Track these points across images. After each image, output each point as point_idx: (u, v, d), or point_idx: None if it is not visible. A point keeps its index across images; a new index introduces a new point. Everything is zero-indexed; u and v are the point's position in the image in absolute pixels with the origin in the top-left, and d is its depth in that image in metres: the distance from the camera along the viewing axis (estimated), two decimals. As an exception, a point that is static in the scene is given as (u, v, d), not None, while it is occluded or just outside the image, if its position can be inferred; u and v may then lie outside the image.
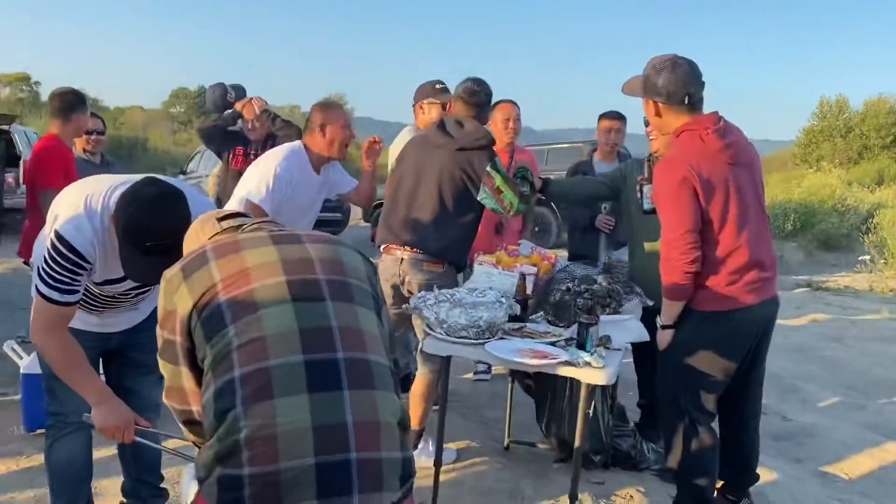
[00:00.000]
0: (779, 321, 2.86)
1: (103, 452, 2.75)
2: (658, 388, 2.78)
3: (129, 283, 2.12)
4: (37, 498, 2.80)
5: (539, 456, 3.44)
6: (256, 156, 3.72)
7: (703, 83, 2.55)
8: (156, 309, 1.49)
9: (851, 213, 13.22)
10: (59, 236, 1.94)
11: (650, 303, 3.02)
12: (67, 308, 1.97)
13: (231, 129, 4.59)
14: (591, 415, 2.96)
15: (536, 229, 11.28)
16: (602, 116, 4.38)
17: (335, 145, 3.13)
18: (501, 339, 2.58)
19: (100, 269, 2.03)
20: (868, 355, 5.73)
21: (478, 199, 3.07)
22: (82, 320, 2.20)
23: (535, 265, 3.11)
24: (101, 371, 2.43)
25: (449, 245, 3.14)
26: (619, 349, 2.57)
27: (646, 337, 2.76)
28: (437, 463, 2.77)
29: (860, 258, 10.66)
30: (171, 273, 1.47)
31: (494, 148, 3.78)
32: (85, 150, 4.35)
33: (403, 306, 2.90)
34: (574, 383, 2.99)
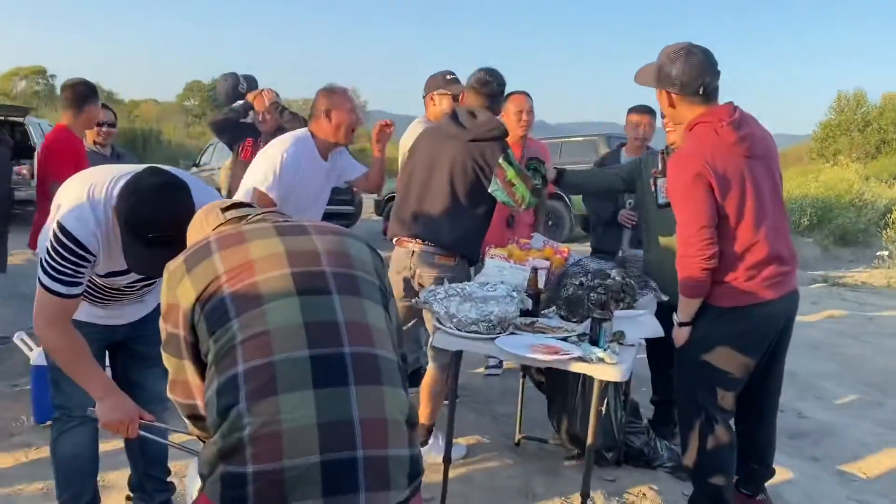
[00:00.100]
0: (795, 317, 2.80)
1: (111, 445, 2.74)
2: (675, 385, 2.73)
3: (134, 276, 2.09)
4: (45, 490, 2.79)
5: (550, 452, 3.40)
6: None
7: (719, 72, 2.49)
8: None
9: (869, 208, 13.09)
10: (61, 227, 1.90)
11: (665, 298, 2.97)
12: (71, 300, 1.94)
13: (243, 120, 4.57)
14: (603, 412, 2.91)
15: (549, 223, 11.25)
16: (631, 110, 4.27)
17: (342, 130, 3.08)
18: (512, 334, 2.53)
19: (103, 261, 1.99)
20: (885, 352, 5.65)
21: (489, 191, 3.03)
22: (87, 312, 2.18)
23: (547, 259, 3.06)
24: (107, 364, 2.41)
25: (461, 238, 3.10)
26: (632, 345, 2.52)
27: (660, 333, 2.71)
28: (447, 459, 2.73)
29: (877, 254, 10.55)
30: (174, 265, 1.44)
31: (507, 140, 3.73)
32: (96, 143, 4.34)
33: (413, 300, 2.86)
34: (586, 379, 2.95)
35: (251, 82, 4.82)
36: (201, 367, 1.40)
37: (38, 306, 1.94)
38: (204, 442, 1.41)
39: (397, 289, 3.16)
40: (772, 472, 2.88)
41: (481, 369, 4.58)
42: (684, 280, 2.48)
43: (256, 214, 1.57)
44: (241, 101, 4.62)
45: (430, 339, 2.86)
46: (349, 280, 1.43)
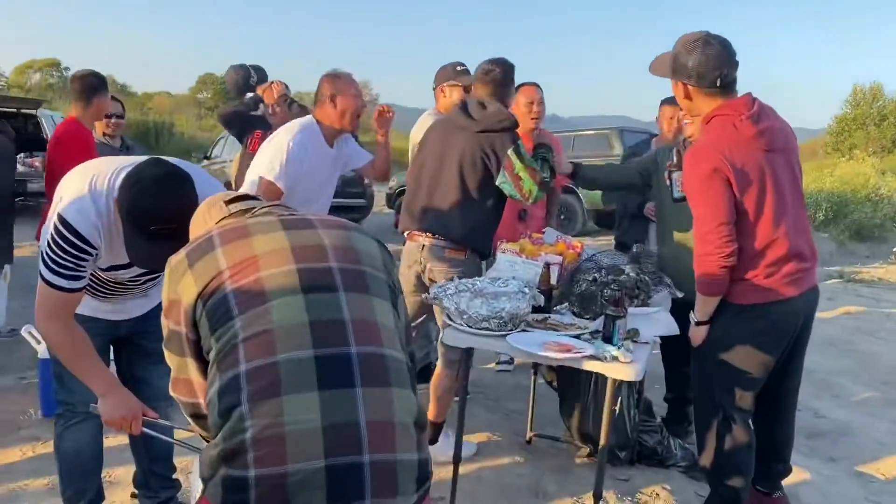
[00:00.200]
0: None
1: (117, 441, 2.72)
2: (692, 384, 2.67)
3: (137, 270, 2.05)
4: (50, 486, 2.76)
5: (562, 450, 3.35)
6: None
7: (737, 63, 2.41)
8: None
9: (885, 202, 12.94)
10: (62, 219, 1.86)
11: (680, 294, 2.91)
12: (72, 295, 1.90)
13: (253, 113, 4.53)
14: (616, 411, 2.86)
15: (561, 217, 11.17)
16: (664, 102, 4.15)
17: (347, 116, 3.02)
18: (524, 331, 2.47)
19: (105, 255, 1.95)
20: (903, 349, 5.56)
21: (497, 183, 2.96)
22: (90, 307, 2.14)
23: (560, 254, 3.00)
24: (112, 357, 2.38)
25: (471, 231, 3.04)
26: (647, 343, 2.46)
27: (675, 330, 2.65)
28: (457, 458, 2.68)
29: (894, 249, 10.42)
30: (176, 260, 1.40)
31: (519, 134, 3.67)
32: (105, 134, 4.32)
33: (423, 296, 2.81)
34: (599, 376, 2.90)
35: (261, 74, 4.78)
36: (204, 364, 1.36)
37: (39, 300, 1.90)
38: (208, 441, 1.37)
39: (408, 283, 3.12)
40: (789, 470, 2.82)
41: (492, 365, 4.53)
42: (702, 278, 2.41)
43: (262, 207, 1.52)
44: (251, 94, 4.58)
45: (440, 335, 2.82)
46: (357, 276, 1.38)
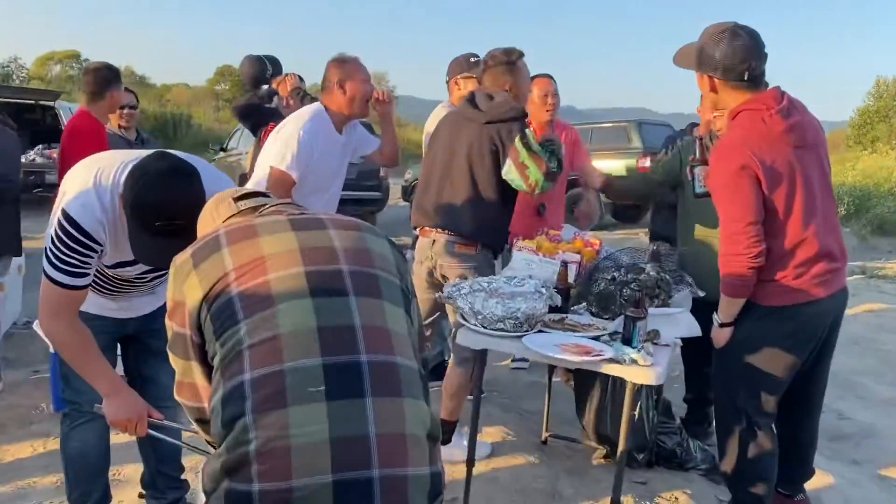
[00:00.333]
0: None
1: (127, 437, 2.67)
2: (714, 387, 2.60)
3: (143, 267, 2.00)
4: (58, 484, 2.73)
5: (578, 451, 3.29)
6: None
7: (766, 55, 2.32)
8: None
9: (909, 196, 12.71)
10: (65, 215, 1.81)
11: (702, 293, 2.83)
12: (76, 292, 1.85)
13: (267, 106, 4.49)
14: (636, 416, 2.79)
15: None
16: None
17: (356, 102, 2.96)
18: (540, 331, 2.40)
19: (110, 251, 1.90)
20: (928, 348, 5.44)
21: (503, 176, 2.88)
22: (96, 304, 2.10)
23: (577, 252, 2.93)
24: (118, 353, 2.34)
25: (481, 226, 2.97)
26: (667, 345, 2.38)
27: (697, 332, 2.56)
28: (470, 460, 2.62)
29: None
30: (181, 259, 1.35)
31: (534, 126, 3.59)
32: (120, 126, 4.30)
33: (437, 295, 2.76)
34: (617, 377, 2.82)
35: (276, 66, 4.73)
36: (209, 368, 1.31)
37: (43, 297, 1.86)
38: (213, 446, 1.33)
39: (420, 280, 3.07)
40: (812, 472, 2.75)
41: (507, 362, 4.47)
42: (728, 278, 2.33)
43: (271, 206, 1.47)
44: (266, 87, 4.53)
45: (452, 332, 2.76)
46: (368, 279, 1.32)
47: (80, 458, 2.24)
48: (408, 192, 11.86)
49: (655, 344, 2.32)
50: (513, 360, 4.46)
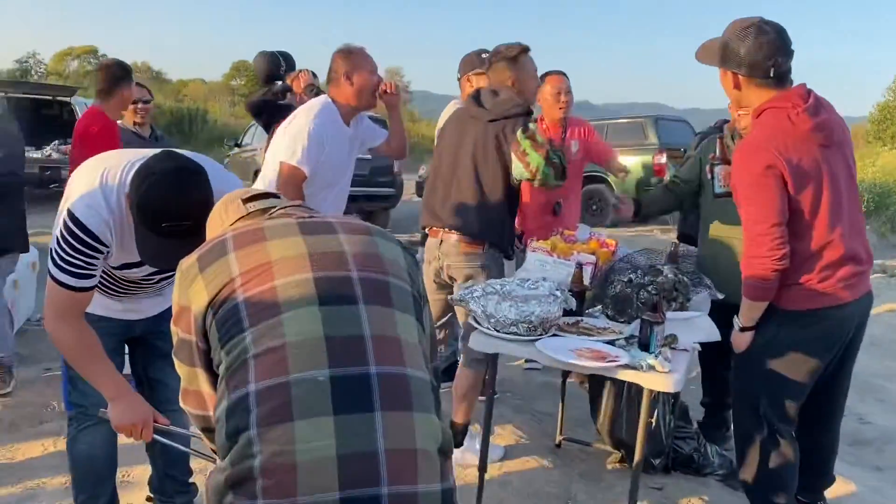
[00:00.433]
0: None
1: (136, 439, 2.66)
2: (732, 392, 2.53)
3: (149, 268, 1.97)
4: (67, 485, 2.68)
5: (592, 455, 3.23)
6: None
7: (792, 52, 2.24)
8: None
9: (930, 193, 12.49)
10: (71, 215, 1.78)
11: (720, 296, 2.76)
12: (82, 294, 1.82)
13: (281, 102, 4.47)
14: (653, 423, 2.73)
15: (593, 207, 10.98)
16: None
17: (364, 94, 2.91)
18: (555, 335, 2.35)
19: (116, 252, 1.87)
20: (950, 350, 5.32)
21: (514, 175, 2.84)
22: (103, 306, 2.07)
23: (593, 252, 2.87)
24: (126, 353, 2.32)
25: (488, 225, 2.92)
26: (686, 350, 2.32)
27: (716, 336, 2.50)
28: (482, 465, 2.57)
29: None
30: (187, 263, 1.31)
31: (547, 123, 3.53)
32: (135, 123, 4.27)
33: (449, 297, 2.71)
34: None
35: (290, 62, 4.70)
36: (215, 376, 1.27)
37: (48, 298, 1.83)
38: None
39: (430, 280, 3.03)
40: (832, 479, 2.68)
41: (520, 362, 4.41)
42: (750, 281, 2.26)
43: (280, 208, 1.43)
44: (279, 83, 4.50)
45: (461, 333, 2.71)
46: (379, 286, 1.28)
47: (87, 462, 2.21)
48: (421, 188, 11.81)
49: (673, 349, 2.26)
50: (526, 361, 4.40)
